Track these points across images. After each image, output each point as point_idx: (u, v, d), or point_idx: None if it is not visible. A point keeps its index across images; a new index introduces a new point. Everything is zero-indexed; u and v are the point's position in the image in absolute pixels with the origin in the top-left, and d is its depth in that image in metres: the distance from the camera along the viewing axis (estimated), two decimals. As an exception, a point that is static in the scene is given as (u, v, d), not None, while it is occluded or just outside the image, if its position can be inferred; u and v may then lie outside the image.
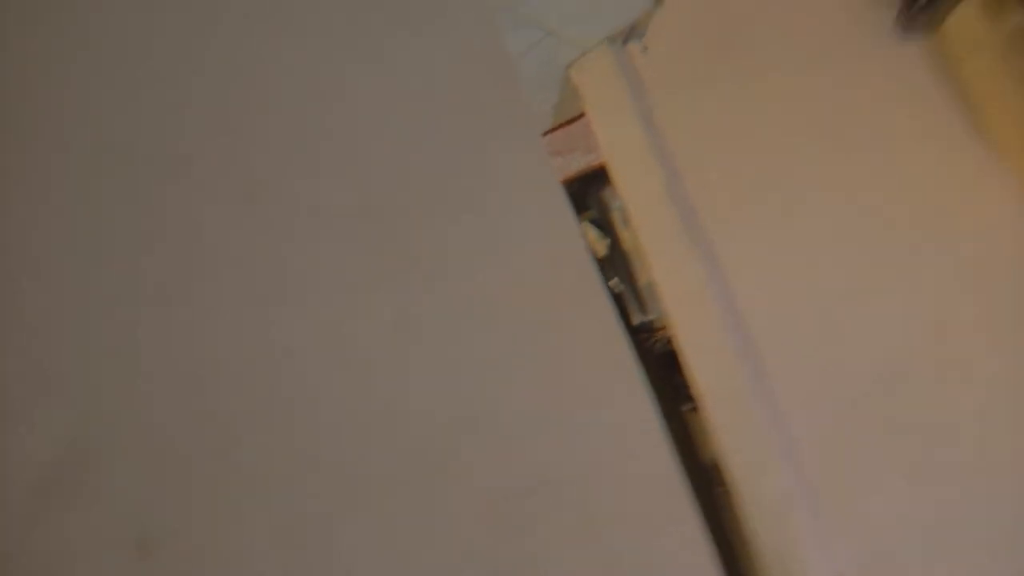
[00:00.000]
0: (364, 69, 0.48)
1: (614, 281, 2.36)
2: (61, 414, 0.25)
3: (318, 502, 0.31)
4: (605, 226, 2.37)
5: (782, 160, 1.38)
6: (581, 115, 1.86)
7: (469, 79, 0.59)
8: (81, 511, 0.25)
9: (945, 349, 1.26)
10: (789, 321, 1.40)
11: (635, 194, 1.66)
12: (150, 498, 0.26)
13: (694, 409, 1.98)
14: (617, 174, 1.72)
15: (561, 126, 2.01)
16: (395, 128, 0.47)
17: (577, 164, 2.15)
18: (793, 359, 1.40)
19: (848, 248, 1.32)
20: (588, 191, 2.34)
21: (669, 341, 2.14)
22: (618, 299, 2.36)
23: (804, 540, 1.35)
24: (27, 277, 0.27)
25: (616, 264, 2.36)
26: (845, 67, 1.28)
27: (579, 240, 0.59)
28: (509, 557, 0.36)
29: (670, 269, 1.56)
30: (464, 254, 0.45)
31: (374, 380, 0.36)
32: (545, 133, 2.05)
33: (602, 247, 2.38)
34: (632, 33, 1.56)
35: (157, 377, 0.28)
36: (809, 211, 1.36)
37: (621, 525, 0.45)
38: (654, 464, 0.51)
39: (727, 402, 1.44)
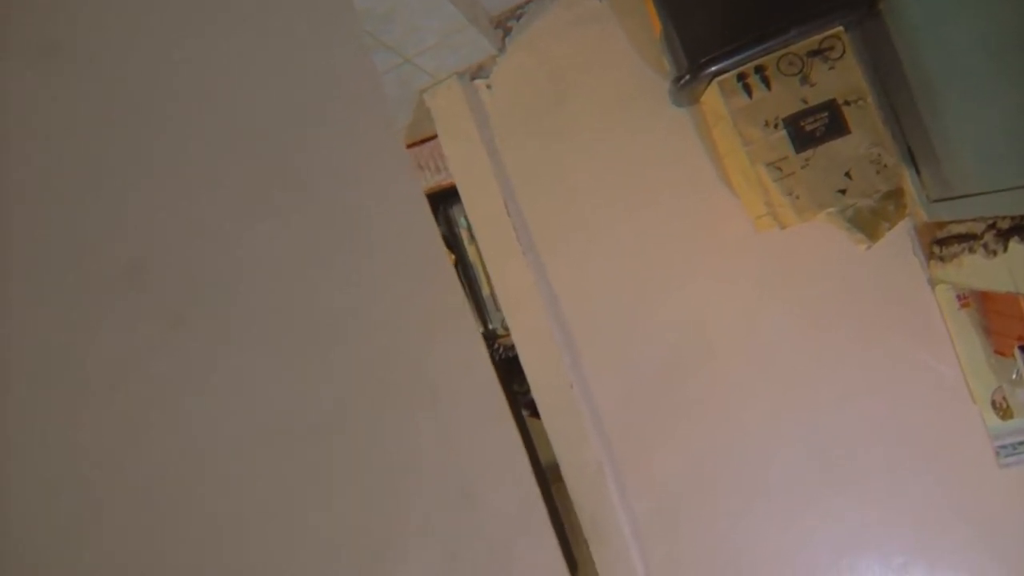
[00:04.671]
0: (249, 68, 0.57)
1: (460, 293, 2.51)
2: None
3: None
4: (452, 241, 2.51)
5: (590, 186, 1.70)
6: (432, 137, 2.02)
7: (340, 89, 0.70)
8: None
9: (706, 339, 1.66)
10: (598, 319, 1.71)
11: (480, 211, 1.83)
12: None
13: (532, 415, 2.20)
14: (465, 193, 1.87)
15: (413, 145, 2.12)
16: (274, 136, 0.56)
17: (427, 182, 2.29)
18: (601, 351, 1.71)
19: (635, 260, 1.68)
20: (437, 208, 2.47)
21: (508, 348, 2.35)
22: (463, 310, 2.51)
23: (611, 500, 1.64)
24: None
25: (462, 277, 2.51)
26: (636, 122, 1.65)
27: (436, 235, 0.73)
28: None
29: (508, 276, 1.77)
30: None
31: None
32: (399, 150, 2.15)
33: (449, 261, 2.52)
34: (479, 72, 1.79)
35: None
36: (609, 229, 1.69)
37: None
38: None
39: (552, 388, 1.69)
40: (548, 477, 2.53)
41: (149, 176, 0.36)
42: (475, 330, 0.68)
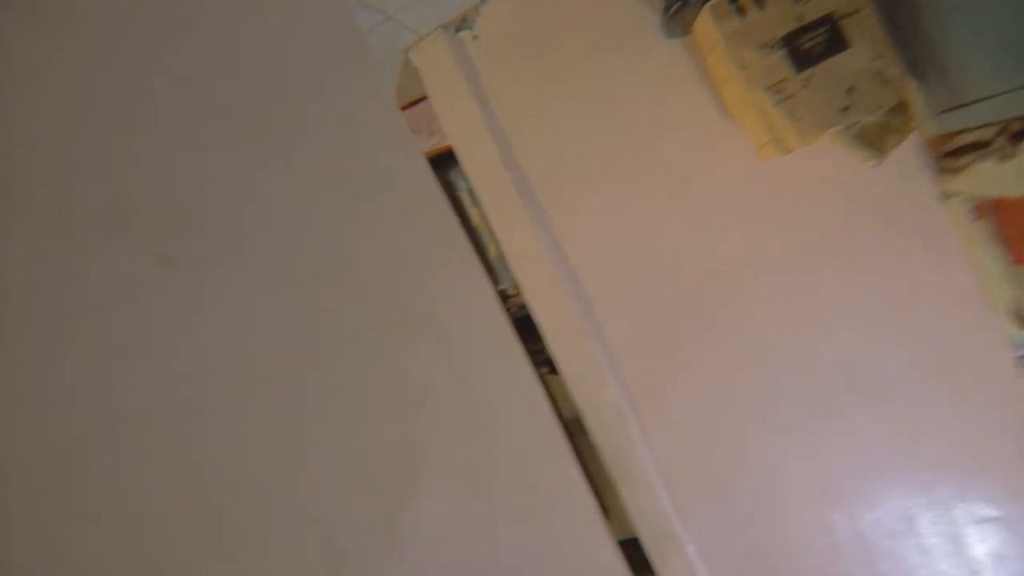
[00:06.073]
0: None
1: (467, 257, 2.50)
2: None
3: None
4: (454, 206, 2.49)
5: (587, 130, 1.67)
6: (422, 98, 1.98)
7: (324, 55, 0.69)
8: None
9: (716, 271, 1.65)
10: (606, 264, 1.70)
11: (478, 170, 1.81)
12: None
13: (551, 371, 2.23)
14: (461, 153, 1.85)
15: (405, 107, 2.08)
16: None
17: (423, 145, 2.25)
18: (612, 296, 1.71)
19: (640, 199, 1.65)
20: (436, 172, 2.45)
21: (520, 307, 2.36)
22: (472, 274, 2.50)
23: (632, 439, 1.66)
24: None
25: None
26: (631, 58, 1.60)
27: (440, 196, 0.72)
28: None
29: (513, 232, 1.76)
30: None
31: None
32: (391, 114, 2.11)
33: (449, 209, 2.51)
34: (463, 23, 1.74)
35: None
36: (609, 172, 1.67)
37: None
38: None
39: (565, 338, 1.70)
40: (573, 431, 2.58)
41: (128, 117, 0.35)
42: (479, 270, 0.68)
